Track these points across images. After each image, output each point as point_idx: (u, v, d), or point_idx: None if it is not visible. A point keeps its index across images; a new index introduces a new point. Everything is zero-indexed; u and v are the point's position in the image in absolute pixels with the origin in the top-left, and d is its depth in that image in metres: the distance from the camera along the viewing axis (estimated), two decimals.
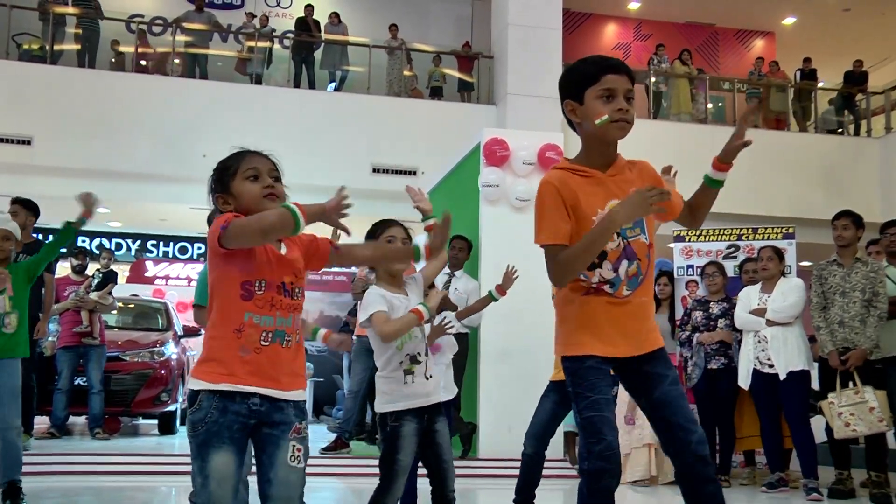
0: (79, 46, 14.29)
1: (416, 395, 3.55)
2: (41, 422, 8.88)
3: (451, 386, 3.79)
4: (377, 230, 3.68)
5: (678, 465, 2.89)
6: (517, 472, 4.98)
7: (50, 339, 8.66)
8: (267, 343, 2.69)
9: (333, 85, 15.13)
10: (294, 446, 2.69)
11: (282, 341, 2.72)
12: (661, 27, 18.67)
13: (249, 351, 2.67)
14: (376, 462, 6.88)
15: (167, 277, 16.87)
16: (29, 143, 12.67)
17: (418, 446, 3.58)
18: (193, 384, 2.71)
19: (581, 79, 2.94)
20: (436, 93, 15.25)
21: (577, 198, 2.85)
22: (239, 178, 2.82)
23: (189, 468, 6.95)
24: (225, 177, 2.85)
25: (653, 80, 15.15)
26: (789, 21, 19.03)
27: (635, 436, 7.16)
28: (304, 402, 2.78)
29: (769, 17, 18.89)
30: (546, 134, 9.12)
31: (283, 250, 2.79)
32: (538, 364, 5.09)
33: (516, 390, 7.53)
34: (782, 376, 6.68)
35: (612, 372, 2.91)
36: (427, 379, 3.57)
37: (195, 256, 18.52)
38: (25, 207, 7.36)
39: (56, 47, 14.18)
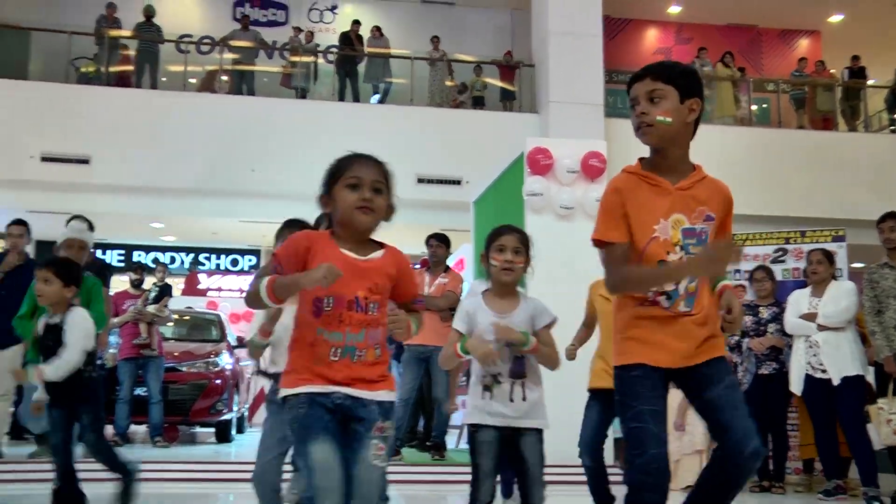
0: (132, 67, 14.56)
1: (492, 413, 3.49)
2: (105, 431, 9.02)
3: (540, 415, 3.62)
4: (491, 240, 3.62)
5: (727, 466, 2.76)
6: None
7: (111, 351, 8.81)
8: (336, 358, 2.66)
9: (377, 97, 15.18)
10: (376, 444, 2.66)
11: (352, 356, 2.66)
12: (703, 30, 18.48)
13: (321, 364, 2.65)
14: (427, 468, 6.98)
15: (220, 289, 17.07)
16: (87, 162, 12.88)
17: (503, 457, 3.54)
18: (282, 392, 2.72)
19: (628, 89, 2.89)
20: (478, 102, 15.21)
21: (638, 205, 2.77)
22: (341, 184, 2.71)
23: (247, 475, 7.05)
24: (331, 179, 2.76)
25: None
26: (836, 19, 18.69)
27: (686, 442, 6.99)
28: (390, 402, 2.72)
29: (814, 15, 18.57)
30: (589, 142, 9.06)
31: (375, 255, 2.74)
32: (576, 372, 5.08)
33: (556, 398, 7.49)
34: (836, 382, 6.51)
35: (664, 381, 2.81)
36: (511, 401, 3.47)
37: (246, 269, 18.68)
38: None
39: (111, 69, 14.48)
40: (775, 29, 19.03)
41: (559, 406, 7.50)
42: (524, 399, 3.48)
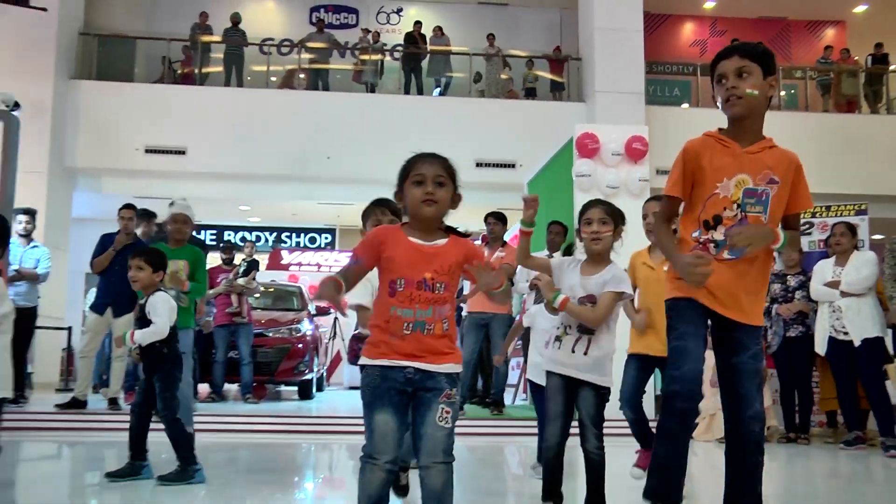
0: (221, 69, 14.72)
1: (556, 362, 3.49)
2: (203, 388, 9.19)
3: (599, 372, 3.57)
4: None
5: (729, 429, 2.85)
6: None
7: (207, 318, 8.94)
8: (409, 332, 2.71)
9: (439, 90, 15.15)
10: (442, 408, 2.70)
11: (423, 330, 2.72)
12: (736, 23, 18.00)
13: (396, 337, 2.71)
14: (486, 423, 6.95)
15: (300, 264, 17.20)
16: (183, 153, 13.08)
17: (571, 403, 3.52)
18: (362, 361, 2.78)
19: (711, 68, 2.91)
20: (530, 93, 15.12)
21: (705, 164, 2.82)
22: (409, 181, 2.79)
23: (326, 427, 7.13)
24: (402, 177, 2.83)
25: None
26: (860, 9, 18.04)
27: (719, 398, 6.98)
28: (457, 373, 2.76)
29: (840, 5, 17.99)
30: (632, 127, 9.05)
31: (440, 242, 2.78)
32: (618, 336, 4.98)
33: None
34: (857, 343, 6.52)
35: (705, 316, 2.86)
36: (572, 352, 3.45)
37: (322, 245, 18.83)
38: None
39: (203, 70, 14.66)
40: (803, 20, 18.46)
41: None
42: (585, 353, 3.43)
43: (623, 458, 4.68)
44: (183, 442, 4.56)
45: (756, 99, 2.80)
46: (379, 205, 3.95)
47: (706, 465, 4.52)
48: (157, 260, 4.63)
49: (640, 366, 4.67)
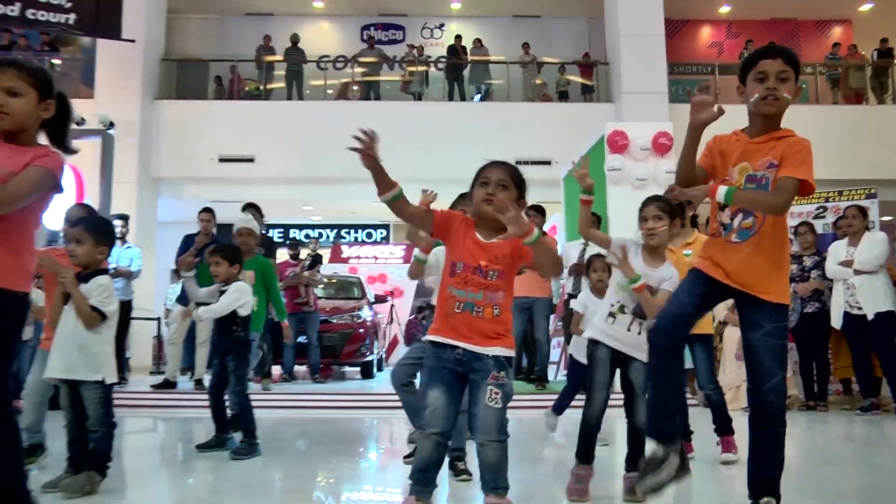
0: (283, 84, 14.90)
1: (609, 335, 3.47)
2: (276, 371, 9.32)
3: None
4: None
5: (751, 400, 2.82)
6: None
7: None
8: (459, 311, 2.74)
9: (479, 96, 15.14)
10: (491, 390, 2.69)
11: (472, 311, 2.73)
12: (749, 25, 17.65)
13: (448, 315, 2.75)
14: (531, 397, 6.96)
15: (358, 257, 17.32)
16: (252, 160, 13.27)
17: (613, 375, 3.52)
18: (426, 337, 2.85)
19: (744, 66, 2.86)
20: (563, 96, 15.03)
21: (721, 153, 2.87)
22: (477, 183, 2.88)
23: (386, 403, 7.18)
24: (474, 181, 2.91)
25: None
26: (866, 7, 17.58)
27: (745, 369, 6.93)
28: (506, 357, 2.75)
29: (846, 5, 17.54)
30: (657, 124, 8.94)
31: (494, 239, 2.82)
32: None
33: None
34: (870, 317, 6.47)
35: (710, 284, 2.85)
36: (628, 331, 3.44)
37: (378, 240, 18.95)
38: (255, 209, 7.75)
39: (268, 86, 14.87)
40: (812, 20, 18.02)
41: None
42: (639, 334, 3.44)
43: None
44: (249, 417, 4.65)
45: (787, 103, 2.79)
46: (465, 196, 3.98)
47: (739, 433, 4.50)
48: (233, 255, 4.76)
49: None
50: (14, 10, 8.26)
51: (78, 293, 3.45)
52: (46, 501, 2.69)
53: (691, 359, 4.52)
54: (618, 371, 3.52)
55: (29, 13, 8.33)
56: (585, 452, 3.48)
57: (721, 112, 2.76)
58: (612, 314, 3.50)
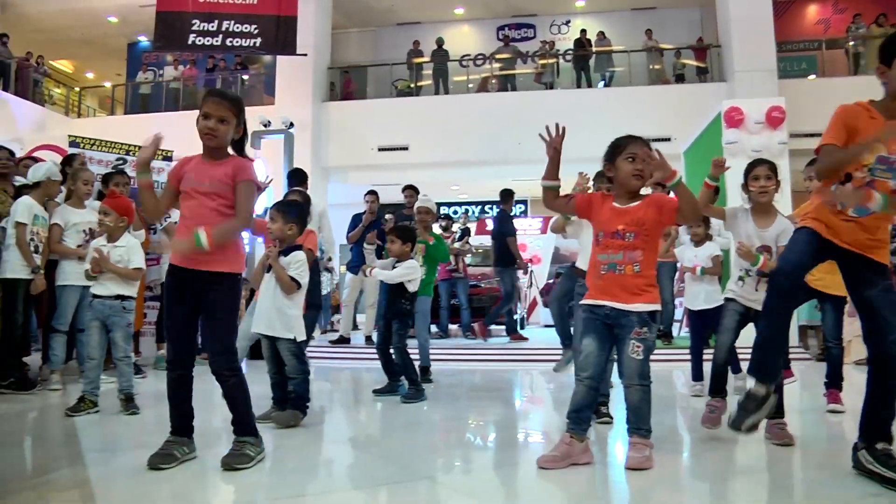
0: (431, 82, 15.10)
1: (738, 295, 3.44)
2: (432, 329, 9.53)
3: (711, 294, 3.68)
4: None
5: (873, 352, 2.59)
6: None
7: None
8: (605, 271, 2.80)
9: (603, 83, 14.75)
10: (634, 344, 2.75)
11: (614, 270, 2.79)
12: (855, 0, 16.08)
13: (597, 277, 2.82)
14: (657, 352, 6.81)
15: None
16: (406, 149, 13.60)
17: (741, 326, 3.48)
18: (581, 301, 2.93)
19: (892, 46, 2.59)
20: (679, 79, 14.39)
21: (856, 128, 2.54)
22: (621, 157, 2.86)
23: (526, 357, 7.17)
24: (614, 152, 2.90)
25: (851, 43, 13.31)
26: None
27: (856, 325, 6.45)
28: (648, 312, 2.77)
29: None
30: (770, 99, 8.54)
31: (634, 204, 2.84)
32: None
33: None
34: None
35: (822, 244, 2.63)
36: (756, 290, 3.39)
37: (518, 214, 18.84)
38: (413, 190, 7.92)
39: (418, 84, 15.12)
40: None
41: None
42: (756, 291, 3.39)
43: None
44: (411, 369, 4.81)
45: None
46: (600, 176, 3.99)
47: (845, 384, 4.25)
48: (406, 235, 4.89)
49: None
50: (217, 41, 8.94)
51: (279, 265, 3.69)
52: (262, 430, 2.94)
53: (821, 316, 4.43)
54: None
55: (227, 42, 8.99)
56: (716, 387, 3.44)
57: None
58: (741, 278, 3.44)
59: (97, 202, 5.12)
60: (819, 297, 4.21)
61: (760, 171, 3.39)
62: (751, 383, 2.70)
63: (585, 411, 2.81)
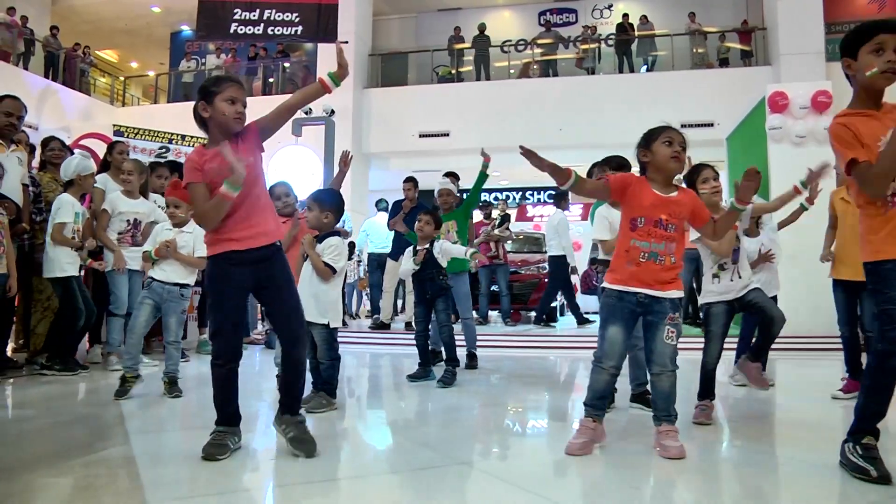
0: (472, 68, 15.02)
1: (719, 292, 3.50)
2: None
3: (753, 282, 3.61)
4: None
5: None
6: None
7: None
8: (644, 260, 2.78)
9: (645, 67, 14.49)
10: (668, 329, 2.79)
11: (655, 260, 2.78)
12: None
13: (632, 264, 2.79)
14: (694, 339, 6.68)
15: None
16: (447, 135, 13.59)
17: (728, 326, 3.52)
18: (603, 284, 2.91)
19: (854, 40, 2.46)
20: (723, 63, 14.05)
21: (860, 131, 2.35)
22: (658, 142, 2.86)
23: (565, 343, 7.12)
24: (650, 139, 2.90)
25: None
26: None
27: None
28: (679, 298, 2.82)
29: None
30: (816, 83, 8.31)
31: (673, 194, 2.84)
32: (819, 265, 4.70)
33: (803, 285, 6.86)
34: None
35: None
36: (731, 281, 3.48)
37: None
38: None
39: (459, 70, 15.06)
40: None
41: (800, 288, 6.84)
42: (740, 277, 3.49)
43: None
44: (452, 347, 4.90)
45: None
46: (601, 164, 4.02)
47: None
48: (438, 220, 5.05)
49: (844, 290, 4.36)
50: (259, 29, 9.08)
51: (314, 253, 3.74)
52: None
53: (859, 305, 4.34)
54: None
55: (269, 30, 9.13)
56: (706, 390, 3.51)
57: None
58: (715, 275, 3.50)
59: (156, 195, 5.27)
60: (857, 286, 4.17)
61: (709, 174, 3.57)
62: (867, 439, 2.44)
63: (607, 398, 2.92)
